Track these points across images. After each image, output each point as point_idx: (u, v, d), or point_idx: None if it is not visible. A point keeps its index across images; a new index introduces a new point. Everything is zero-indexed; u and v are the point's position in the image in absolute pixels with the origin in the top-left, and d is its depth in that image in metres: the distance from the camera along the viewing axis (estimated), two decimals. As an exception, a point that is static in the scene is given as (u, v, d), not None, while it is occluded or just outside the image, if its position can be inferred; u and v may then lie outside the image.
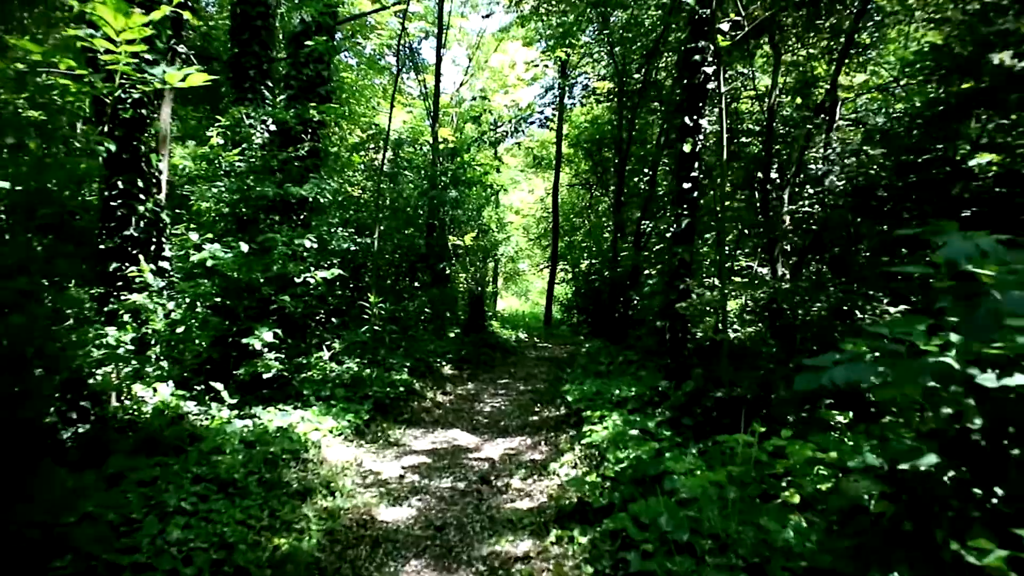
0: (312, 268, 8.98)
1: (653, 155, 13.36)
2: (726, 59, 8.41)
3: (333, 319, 11.97)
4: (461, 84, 31.31)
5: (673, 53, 14.10)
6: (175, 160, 10.38)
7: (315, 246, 9.02)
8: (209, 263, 8.02)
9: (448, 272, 19.51)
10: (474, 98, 21.71)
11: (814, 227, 7.51)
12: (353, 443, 7.89)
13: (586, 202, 31.38)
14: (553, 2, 18.92)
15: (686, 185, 8.25)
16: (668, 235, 8.52)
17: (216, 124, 11.08)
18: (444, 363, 12.66)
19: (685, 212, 8.19)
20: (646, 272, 13.14)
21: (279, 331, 8.34)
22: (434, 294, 15.53)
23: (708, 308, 7.68)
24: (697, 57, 8.09)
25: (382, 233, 15.66)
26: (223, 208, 10.29)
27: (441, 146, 18.84)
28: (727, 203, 10.31)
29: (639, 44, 14.50)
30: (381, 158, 13.02)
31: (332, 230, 13.73)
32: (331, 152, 13.60)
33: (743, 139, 13.85)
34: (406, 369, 11.09)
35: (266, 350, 8.43)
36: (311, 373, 9.66)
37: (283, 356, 9.26)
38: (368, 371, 10.21)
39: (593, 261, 22.96)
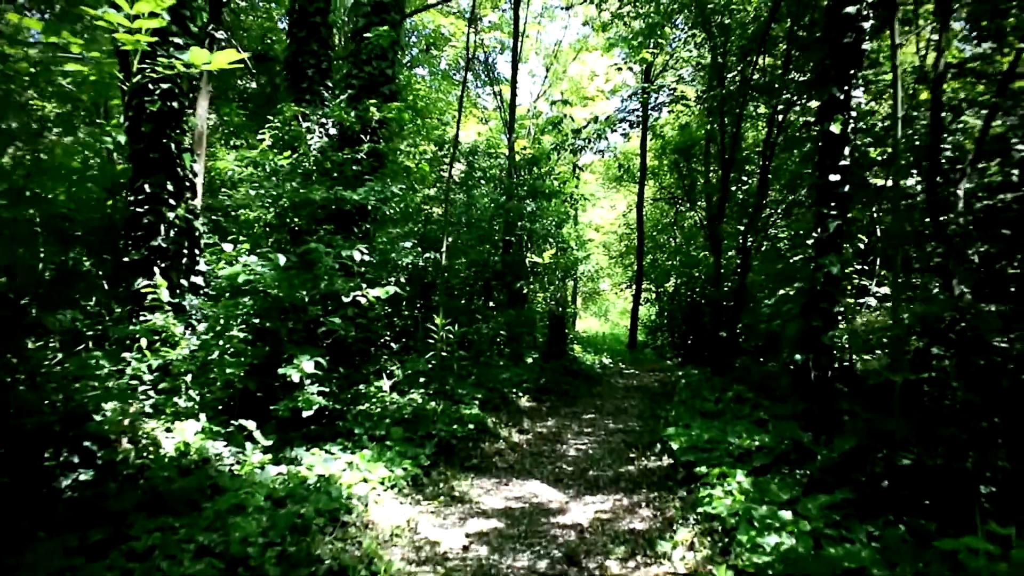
0: (364, 285, 7.62)
1: (760, 154, 11.52)
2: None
3: (393, 344, 10.65)
4: (538, 96, 30.11)
5: (781, 42, 12.34)
6: (220, 164, 9.28)
7: (367, 258, 7.65)
8: (241, 279, 6.75)
9: (525, 291, 18.10)
10: (553, 102, 20.27)
11: (1005, 231, 5.67)
12: (408, 499, 6.43)
13: (670, 218, 29.54)
14: (638, 3, 17.38)
15: (834, 177, 6.47)
16: (809, 242, 6.77)
17: (267, 125, 9.96)
18: (521, 394, 11.15)
19: (832, 212, 6.41)
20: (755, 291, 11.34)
21: (322, 359, 6.99)
22: (510, 315, 14.07)
23: (872, 338, 5.90)
24: (850, 9, 6.37)
25: (453, 248, 14.34)
26: (271, 217, 9.12)
27: (518, 157, 17.49)
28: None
29: (740, 32, 12.77)
30: (450, 164, 11.68)
31: (396, 244, 12.45)
32: (397, 160, 12.38)
33: (857, 141, 11.94)
34: (477, 402, 9.62)
35: (308, 382, 7.08)
36: (367, 406, 8.31)
37: (331, 388, 7.95)
38: (433, 404, 8.79)
39: (679, 280, 21.13)
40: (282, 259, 6.92)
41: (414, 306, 13.02)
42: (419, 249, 12.74)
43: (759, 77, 11.37)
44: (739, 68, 13.41)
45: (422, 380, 9.65)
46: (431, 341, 10.14)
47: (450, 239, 12.12)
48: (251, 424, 6.67)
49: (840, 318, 6.22)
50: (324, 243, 8.03)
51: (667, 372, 16.23)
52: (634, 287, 29.40)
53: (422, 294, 13.27)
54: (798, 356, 6.26)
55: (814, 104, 12.66)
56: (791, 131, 11.05)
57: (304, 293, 7.45)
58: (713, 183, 19.90)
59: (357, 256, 7.43)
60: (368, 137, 10.12)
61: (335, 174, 9.71)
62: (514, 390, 11.07)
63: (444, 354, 10.10)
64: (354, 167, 9.60)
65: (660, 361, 20.48)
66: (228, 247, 7.30)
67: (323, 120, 10.50)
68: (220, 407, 7.38)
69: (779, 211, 11.01)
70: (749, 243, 10.49)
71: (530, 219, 15.76)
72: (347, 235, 9.24)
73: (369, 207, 9.41)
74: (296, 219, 9.55)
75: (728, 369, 10.72)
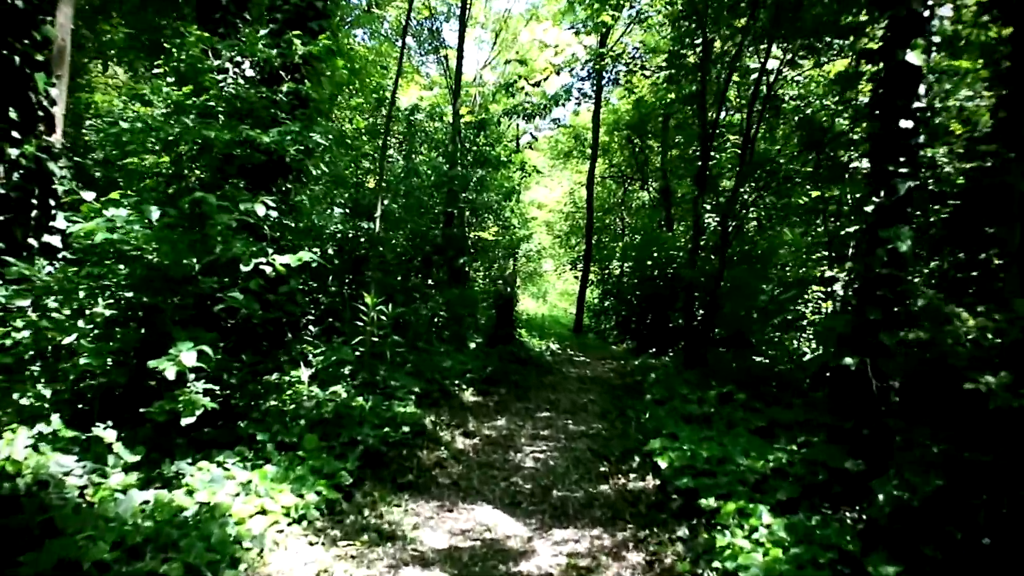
0: (272, 251, 5.90)
1: (748, 103, 10.07)
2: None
3: (314, 326, 9.01)
4: (485, 64, 28.52)
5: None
6: (98, 97, 7.39)
7: (273, 215, 5.90)
8: (99, 237, 4.99)
9: (467, 269, 16.60)
10: (508, 61, 18.61)
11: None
12: (321, 536, 4.85)
13: (618, 198, 28.39)
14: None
15: (905, 123, 5.06)
16: (868, 208, 5.38)
17: (164, 55, 8.09)
18: (465, 386, 9.63)
19: (902, 170, 5.05)
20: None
21: (209, 349, 5.23)
22: (453, 295, 12.52)
23: (967, 342, 4.57)
24: None
25: (389, 216, 12.67)
26: (163, 165, 7.32)
27: (465, 119, 15.85)
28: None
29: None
30: (387, 120, 10.05)
31: (325, 208, 10.75)
32: (325, 105, 10.55)
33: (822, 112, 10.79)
34: (413, 397, 8.08)
35: (192, 376, 5.39)
36: (276, 403, 6.71)
37: (231, 381, 6.30)
38: (360, 400, 7.24)
39: (632, 261, 19.89)
40: (155, 212, 5.16)
41: (342, 281, 11.35)
42: (349, 216, 11.08)
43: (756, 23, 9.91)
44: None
45: (348, 370, 8.06)
46: (360, 324, 8.51)
47: (386, 203, 10.47)
48: (110, 434, 4.98)
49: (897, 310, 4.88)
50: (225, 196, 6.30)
51: (621, 360, 14.96)
52: (579, 268, 28.20)
53: (353, 268, 11.61)
54: (849, 359, 4.91)
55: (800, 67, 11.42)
56: (782, 87, 9.74)
57: (194, 260, 5.74)
58: (674, 156, 18.62)
59: (261, 211, 5.67)
60: (290, 76, 8.39)
61: (248, 120, 7.96)
62: (457, 382, 9.54)
63: (375, 339, 8.50)
64: (272, 110, 7.87)
65: (609, 347, 19.25)
66: (89, 195, 5.52)
67: (238, 58, 8.67)
68: (81, 406, 5.69)
69: (769, 183, 9.72)
70: (729, 222, 9.15)
71: (476, 189, 14.20)
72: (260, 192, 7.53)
73: (288, 158, 7.71)
74: (198, 171, 7.80)
75: (700, 361, 9.42)
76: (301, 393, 7.22)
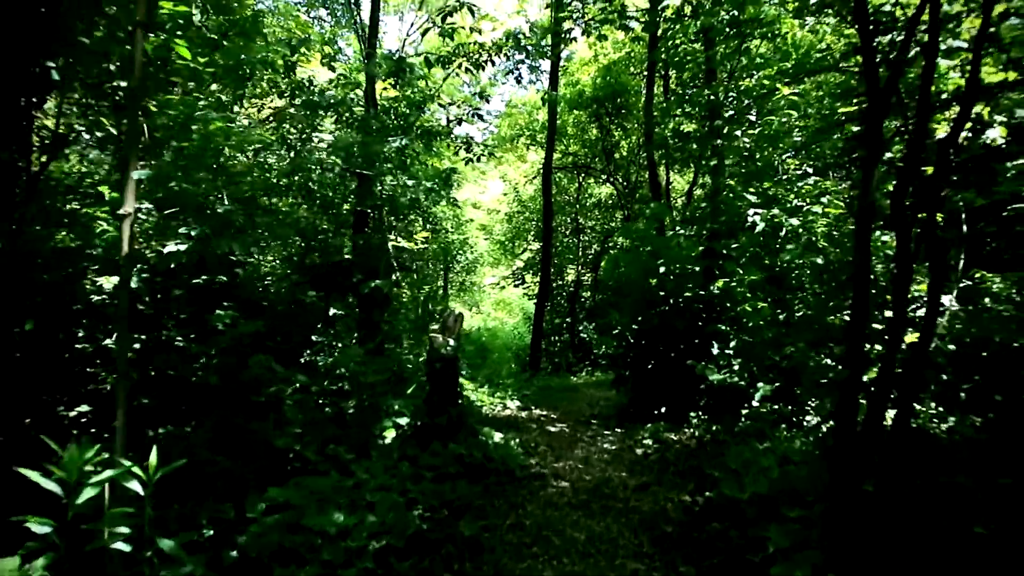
0: None
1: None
2: None
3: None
4: (405, 40, 23.63)
5: None
6: None
7: None
8: None
9: (387, 294, 11.30)
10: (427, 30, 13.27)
11: None
12: None
13: (571, 195, 23.52)
14: None
15: None
16: None
17: None
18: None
19: None
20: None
21: None
22: (366, 361, 7.35)
23: None
24: None
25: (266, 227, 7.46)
26: None
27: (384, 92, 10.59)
28: None
29: None
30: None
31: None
32: None
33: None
34: None
35: None
36: None
37: None
38: None
39: (612, 279, 14.98)
40: None
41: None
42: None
43: None
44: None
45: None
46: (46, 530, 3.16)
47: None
48: None
49: None
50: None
51: (617, 428, 9.98)
52: (528, 280, 23.46)
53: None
54: None
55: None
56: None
57: None
58: (663, 134, 13.47)
59: None
60: None
61: None
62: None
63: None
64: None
65: (579, 391, 14.35)
66: None
67: None
68: None
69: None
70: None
71: (398, 164, 9.02)
72: None
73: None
74: None
75: (857, 489, 4.33)
76: None
